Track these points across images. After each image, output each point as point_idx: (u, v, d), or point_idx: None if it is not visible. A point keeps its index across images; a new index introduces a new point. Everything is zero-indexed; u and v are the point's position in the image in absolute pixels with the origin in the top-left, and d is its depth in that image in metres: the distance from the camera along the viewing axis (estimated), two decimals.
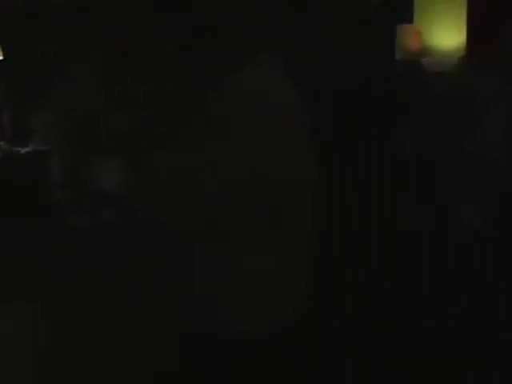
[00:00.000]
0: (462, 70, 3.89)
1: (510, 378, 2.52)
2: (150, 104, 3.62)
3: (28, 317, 3.36)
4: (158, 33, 3.70)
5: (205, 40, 1.84)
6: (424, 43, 4.15)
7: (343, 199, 2.84)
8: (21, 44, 4.56)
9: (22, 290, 3.51)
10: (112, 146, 3.96)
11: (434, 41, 4.16)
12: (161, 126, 3.20)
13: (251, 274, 1.58)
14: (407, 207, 3.30)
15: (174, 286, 1.99)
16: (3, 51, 4.43)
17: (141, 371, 2.79)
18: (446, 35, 4.14)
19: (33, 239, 4.00)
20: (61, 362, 2.86)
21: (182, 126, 1.64)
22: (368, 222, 3.10)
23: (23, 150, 4.52)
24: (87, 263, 3.69)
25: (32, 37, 4.49)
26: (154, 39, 3.74)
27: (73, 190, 4.20)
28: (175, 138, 1.60)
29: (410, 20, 4.25)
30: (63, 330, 3.17)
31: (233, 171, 1.50)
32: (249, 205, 1.50)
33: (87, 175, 4.15)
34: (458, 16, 4.17)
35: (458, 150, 3.61)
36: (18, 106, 4.69)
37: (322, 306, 2.20)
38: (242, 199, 1.51)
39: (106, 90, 3.94)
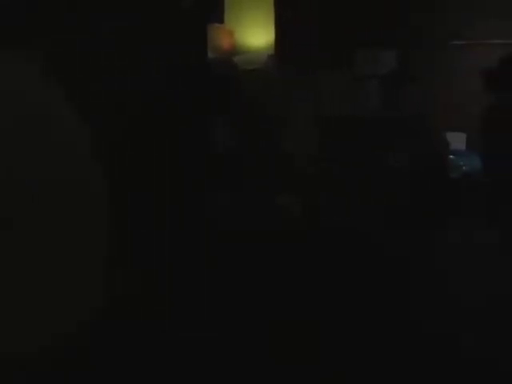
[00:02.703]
0: (272, 68, 3.96)
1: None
2: None
3: None
4: None
5: None
6: (235, 42, 4.17)
7: (144, 199, 2.73)
8: None
9: None
10: None
11: (245, 40, 4.20)
12: None
13: (48, 273, 1.46)
14: (222, 205, 3.26)
15: None
16: None
17: None
18: (256, 34, 4.20)
19: None
20: None
21: None
22: (183, 221, 3.01)
23: None
24: None
25: None
26: None
27: None
28: None
29: (220, 20, 4.26)
30: None
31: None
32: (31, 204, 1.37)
33: None
34: (267, 16, 4.26)
35: (271, 147, 3.66)
36: None
37: (124, 306, 2.09)
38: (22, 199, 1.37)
39: None
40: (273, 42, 4.15)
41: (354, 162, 3.65)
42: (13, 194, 1.35)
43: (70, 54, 2.46)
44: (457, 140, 4.78)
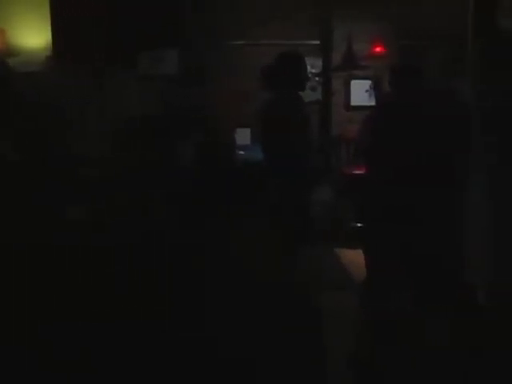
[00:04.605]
0: (51, 69, 3.81)
1: None
2: None
3: None
4: None
5: None
6: (8, 42, 3.93)
7: None
8: None
9: None
10: None
11: (20, 40, 3.98)
12: None
13: None
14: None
15: None
16: None
17: None
18: (32, 35, 4.00)
19: None
20: None
21: None
22: None
23: None
24: None
25: None
26: None
27: None
28: None
29: None
30: None
31: None
32: None
33: None
34: (43, 15, 4.08)
35: (57, 152, 3.52)
36: None
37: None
38: None
39: None
40: (50, 43, 3.97)
41: (141, 163, 3.64)
42: None
43: None
44: (243, 135, 5.02)
